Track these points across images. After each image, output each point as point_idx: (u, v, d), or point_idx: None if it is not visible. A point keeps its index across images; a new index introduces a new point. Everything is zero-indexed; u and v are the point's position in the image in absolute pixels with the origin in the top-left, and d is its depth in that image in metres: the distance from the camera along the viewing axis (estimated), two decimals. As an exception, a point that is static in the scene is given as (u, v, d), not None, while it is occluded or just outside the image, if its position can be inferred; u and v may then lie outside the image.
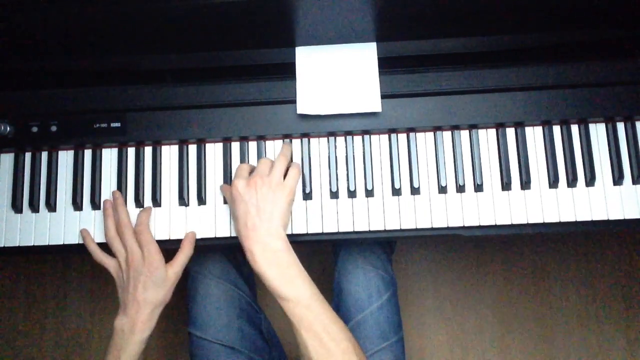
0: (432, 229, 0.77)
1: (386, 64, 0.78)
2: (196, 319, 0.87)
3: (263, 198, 0.69)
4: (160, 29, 0.75)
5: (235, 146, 0.81)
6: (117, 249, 0.75)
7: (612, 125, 0.79)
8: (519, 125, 0.79)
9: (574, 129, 0.79)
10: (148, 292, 0.73)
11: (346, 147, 0.80)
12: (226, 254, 0.91)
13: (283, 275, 0.67)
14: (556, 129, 0.79)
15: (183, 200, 0.80)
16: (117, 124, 0.80)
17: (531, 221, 0.77)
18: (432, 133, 0.80)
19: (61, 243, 0.80)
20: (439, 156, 0.79)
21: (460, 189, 0.78)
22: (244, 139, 0.81)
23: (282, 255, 0.68)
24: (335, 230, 0.78)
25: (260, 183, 0.70)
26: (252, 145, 0.81)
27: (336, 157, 0.80)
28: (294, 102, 0.78)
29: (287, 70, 0.79)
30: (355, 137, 0.80)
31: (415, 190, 0.78)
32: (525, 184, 0.77)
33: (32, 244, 0.80)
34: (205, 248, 0.86)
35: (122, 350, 0.71)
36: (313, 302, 0.66)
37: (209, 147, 0.82)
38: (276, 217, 0.69)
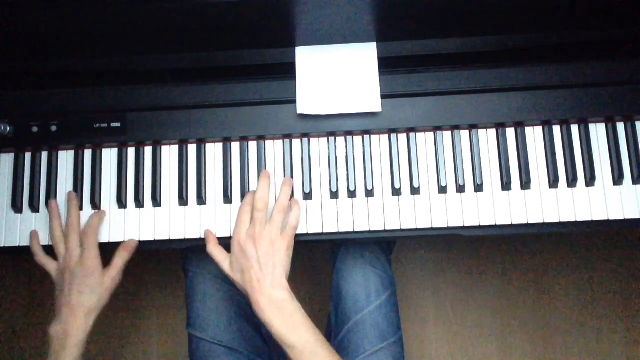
0: (432, 229, 0.77)
1: (386, 64, 0.78)
2: (195, 319, 0.87)
3: (264, 253, 0.71)
4: (160, 29, 0.75)
5: (235, 146, 0.81)
6: (59, 251, 0.77)
7: (612, 125, 0.79)
8: (519, 125, 0.79)
9: (574, 129, 0.79)
10: (83, 296, 0.73)
11: (346, 147, 0.80)
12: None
13: (288, 324, 0.69)
14: (556, 129, 0.79)
15: (183, 200, 0.80)
16: (117, 124, 0.80)
17: (531, 221, 0.77)
18: (432, 133, 0.80)
19: (61, 243, 0.80)
20: (439, 156, 0.79)
21: (460, 189, 0.78)
22: (244, 139, 0.81)
23: (287, 304, 0.70)
24: (335, 230, 0.78)
25: (259, 239, 0.72)
26: (252, 145, 0.81)
27: (336, 157, 0.80)
28: (294, 102, 0.78)
29: (287, 70, 0.79)
30: (355, 137, 0.80)
31: (415, 190, 0.78)
32: (525, 184, 0.77)
33: (32, 244, 0.80)
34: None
35: (59, 357, 0.71)
36: (318, 348, 0.69)
37: (209, 147, 0.82)
38: (278, 268, 0.71)
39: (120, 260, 0.77)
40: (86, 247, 0.75)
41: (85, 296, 0.74)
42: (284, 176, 0.80)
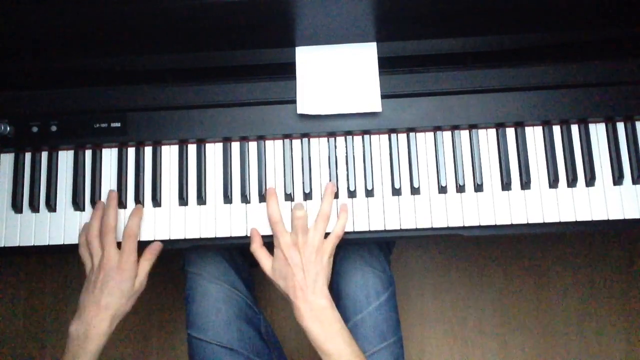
0: (432, 229, 0.77)
1: (386, 64, 0.79)
2: (195, 320, 0.87)
3: (307, 261, 0.73)
4: (160, 29, 0.75)
5: (235, 146, 0.81)
6: (94, 250, 0.76)
7: (612, 125, 0.79)
8: (519, 125, 0.79)
9: (574, 129, 0.79)
10: (113, 298, 0.73)
11: (346, 147, 0.80)
12: (224, 256, 0.90)
13: (326, 332, 0.71)
14: (556, 129, 0.79)
15: (183, 200, 0.80)
16: (117, 124, 0.80)
17: (531, 221, 0.77)
18: (432, 133, 0.80)
19: (61, 243, 0.80)
20: (439, 156, 0.79)
21: (460, 189, 0.78)
22: (244, 139, 0.81)
23: (327, 312, 0.72)
24: (335, 230, 0.78)
25: (303, 246, 0.74)
26: (252, 145, 0.81)
27: (336, 157, 0.80)
28: (294, 102, 0.78)
29: (287, 70, 0.79)
30: (355, 137, 0.80)
31: (415, 190, 0.78)
32: (525, 184, 0.77)
33: (32, 244, 0.80)
34: (206, 248, 0.86)
35: (77, 358, 0.71)
36: (354, 358, 0.70)
37: (209, 147, 0.82)
38: (320, 276, 0.73)
39: (147, 264, 0.77)
40: (126, 252, 0.75)
41: (115, 299, 0.73)
42: (284, 176, 0.80)
